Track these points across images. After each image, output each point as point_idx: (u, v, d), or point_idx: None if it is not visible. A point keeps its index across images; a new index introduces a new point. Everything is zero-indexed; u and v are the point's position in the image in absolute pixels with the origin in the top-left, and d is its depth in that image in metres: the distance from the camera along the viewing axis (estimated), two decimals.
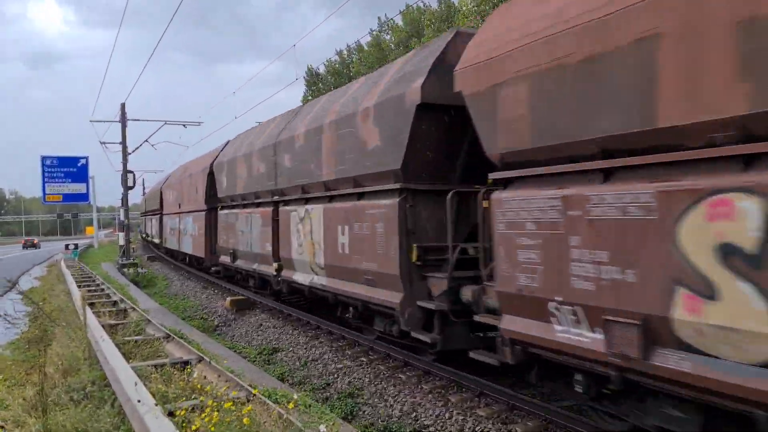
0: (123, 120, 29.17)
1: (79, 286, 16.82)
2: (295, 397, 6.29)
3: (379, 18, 61.93)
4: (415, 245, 7.76)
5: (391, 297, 8.09)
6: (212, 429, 4.63)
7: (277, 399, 5.87)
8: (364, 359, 9.32)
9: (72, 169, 39.88)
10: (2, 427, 6.10)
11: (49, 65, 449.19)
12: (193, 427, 4.76)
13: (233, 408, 5.11)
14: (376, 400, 7.82)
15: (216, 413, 4.78)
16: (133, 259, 28.71)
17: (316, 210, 10.32)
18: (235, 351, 10.89)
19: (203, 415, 4.88)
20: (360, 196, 8.99)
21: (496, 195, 6.09)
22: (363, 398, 7.97)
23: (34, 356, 9.19)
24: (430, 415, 6.97)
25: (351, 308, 9.86)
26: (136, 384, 5.75)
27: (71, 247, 47.50)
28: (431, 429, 6.73)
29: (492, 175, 6.25)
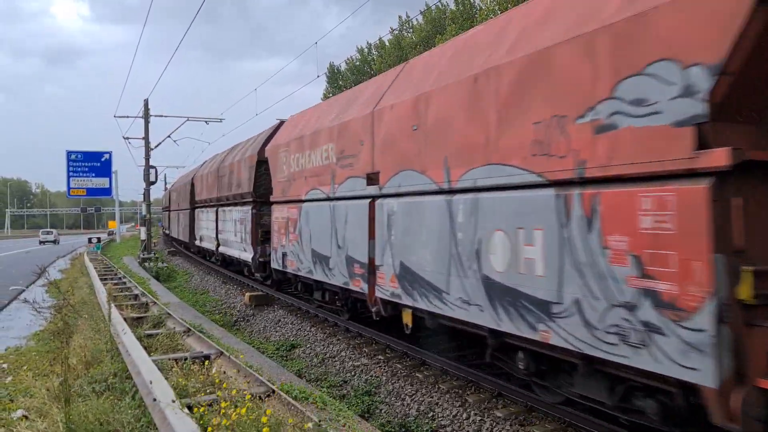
0: (146, 116, 29.54)
1: (102, 279, 17.08)
2: (326, 398, 6.32)
3: (399, 17, 61.96)
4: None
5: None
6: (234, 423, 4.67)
7: (296, 396, 5.90)
8: (381, 357, 9.34)
9: (96, 163, 40.49)
10: (26, 416, 6.22)
11: (71, 61, 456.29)
12: (215, 421, 4.81)
13: (252, 406, 5.15)
14: (393, 398, 7.83)
15: (237, 411, 4.81)
16: (154, 254, 29.09)
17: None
18: (253, 346, 10.97)
19: (223, 411, 4.93)
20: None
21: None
22: (380, 396, 7.99)
23: (58, 347, 9.36)
24: (448, 415, 6.96)
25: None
26: (150, 383, 5.82)
27: (94, 240, 48.34)
28: (448, 429, 6.72)
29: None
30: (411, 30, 47.80)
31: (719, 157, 3.90)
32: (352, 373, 9.03)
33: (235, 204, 17.94)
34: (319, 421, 5.08)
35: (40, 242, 57.69)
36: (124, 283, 17.36)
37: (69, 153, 39.92)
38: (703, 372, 3.97)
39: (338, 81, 55.01)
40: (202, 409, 5.10)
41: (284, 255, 12.57)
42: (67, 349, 8.20)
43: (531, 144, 5.49)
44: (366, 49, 54.39)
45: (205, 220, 23.44)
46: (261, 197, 15.38)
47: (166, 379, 6.07)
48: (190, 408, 5.25)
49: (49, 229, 66.25)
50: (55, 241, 49.68)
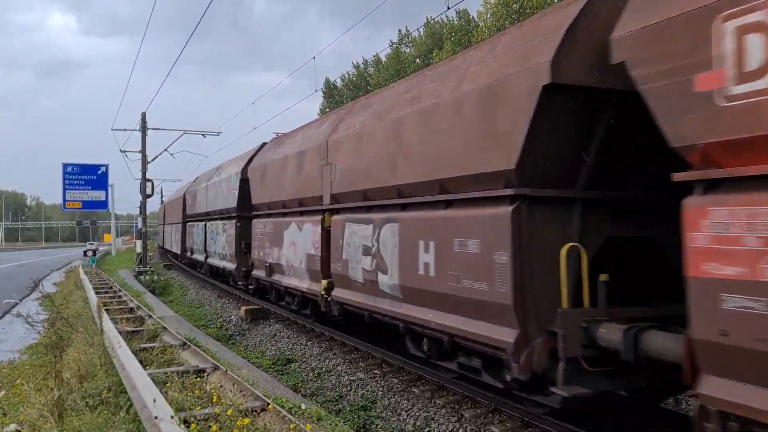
0: (143, 129, 29.60)
1: (97, 293, 17.00)
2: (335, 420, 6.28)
3: (399, 30, 62.51)
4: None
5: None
6: None
7: (291, 409, 5.87)
8: (378, 372, 9.30)
9: (92, 176, 40.50)
10: (19, 431, 6.17)
11: (65, 74, 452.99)
12: None
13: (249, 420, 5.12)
14: (389, 413, 7.79)
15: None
16: (150, 267, 28.98)
17: None
18: (249, 360, 10.92)
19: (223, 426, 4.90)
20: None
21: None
22: (376, 411, 7.95)
23: (51, 361, 9.30)
24: (444, 431, 6.92)
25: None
26: (147, 398, 5.78)
27: (89, 253, 48.22)
28: None
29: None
30: (411, 44, 48.17)
31: None
32: (348, 388, 8.98)
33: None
34: None
35: (84, 252, 76.00)
36: (120, 296, 17.29)
37: (65, 165, 39.91)
38: None
39: (334, 96, 55.40)
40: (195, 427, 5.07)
41: None
42: (60, 363, 8.15)
43: None
44: (362, 65, 54.81)
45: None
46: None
47: (162, 392, 6.03)
48: (186, 422, 5.21)
49: (92, 242, 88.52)
50: (95, 250, 64.82)
